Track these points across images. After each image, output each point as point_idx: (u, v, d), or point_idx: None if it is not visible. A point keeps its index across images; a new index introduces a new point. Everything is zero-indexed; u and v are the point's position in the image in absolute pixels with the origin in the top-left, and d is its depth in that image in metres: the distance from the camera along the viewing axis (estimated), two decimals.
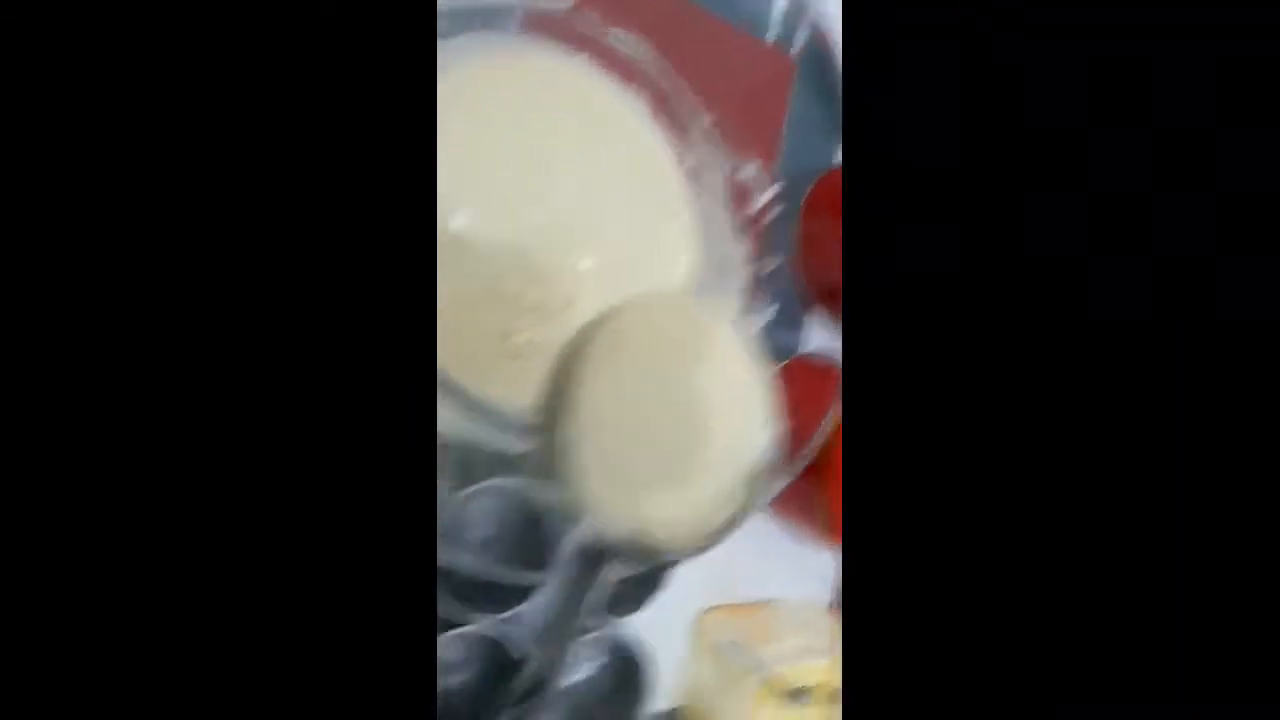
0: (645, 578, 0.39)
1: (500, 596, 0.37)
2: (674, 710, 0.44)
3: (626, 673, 0.39)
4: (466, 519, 0.32)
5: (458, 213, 0.31)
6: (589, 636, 0.37)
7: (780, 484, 0.41)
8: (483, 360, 0.30)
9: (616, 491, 0.21)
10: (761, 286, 0.32)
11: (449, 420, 0.28)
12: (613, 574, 0.22)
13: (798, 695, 0.42)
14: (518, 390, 0.31)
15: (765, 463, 0.23)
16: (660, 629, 0.39)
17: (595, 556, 0.22)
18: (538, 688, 0.24)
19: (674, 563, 0.31)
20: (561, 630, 0.22)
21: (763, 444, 0.23)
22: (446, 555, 0.36)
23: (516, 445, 0.29)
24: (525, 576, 0.36)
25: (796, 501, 0.40)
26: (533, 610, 0.29)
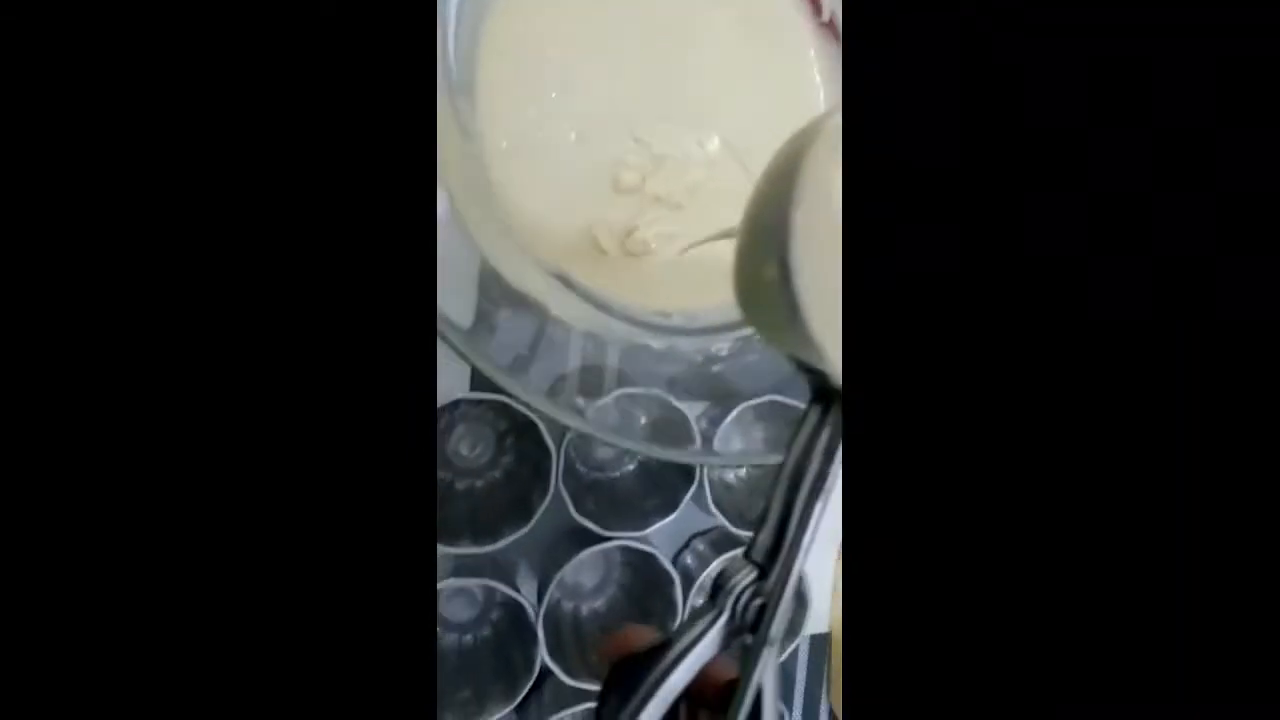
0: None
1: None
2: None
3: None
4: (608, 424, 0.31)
5: (568, 97, 0.28)
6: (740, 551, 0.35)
7: None
8: (609, 259, 0.28)
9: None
10: None
11: (579, 320, 0.26)
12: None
13: None
14: (647, 291, 0.29)
15: None
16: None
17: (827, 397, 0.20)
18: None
19: None
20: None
21: None
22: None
23: (651, 341, 0.27)
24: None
25: None
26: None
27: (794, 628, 0.38)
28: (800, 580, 0.36)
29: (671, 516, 0.33)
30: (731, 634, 0.19)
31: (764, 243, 0.19)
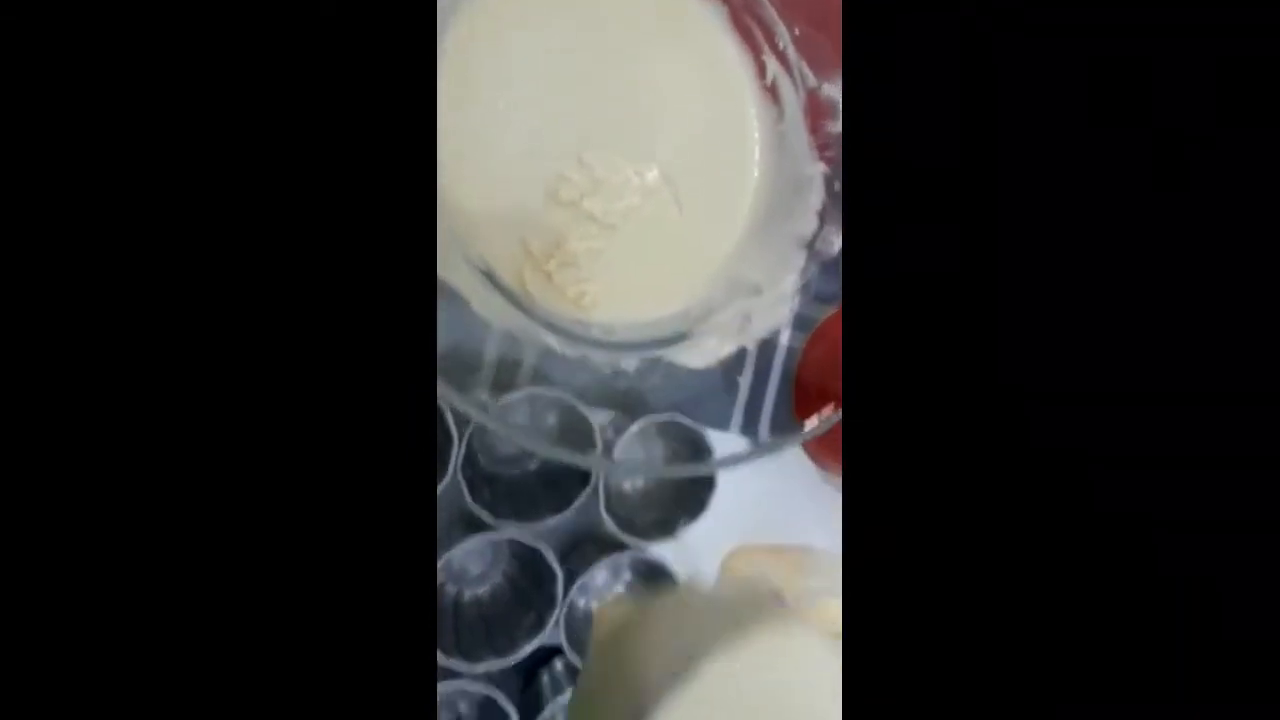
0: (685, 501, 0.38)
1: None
2: None
3: (662, 589, 0.39)
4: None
5: (518, 110, 0.30)
6: (624, 554, 0.37)
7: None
8: (536, 266, 0.30)
9: None
10: (836, 209, 0.30)
11: (500, 318, 0.27)
12: None
13: None
14: (566, 299, 0.30)
15: None
16: (687, 565, 0.39)
17: None
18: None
19: None
20: None
21: None
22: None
23: (565, 349, 0.29)
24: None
25: (832, 446, 0.40)
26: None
27: None
28: None
29: (563, 515, 0.35)
30: None
31: None
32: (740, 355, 0.30)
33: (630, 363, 0.29)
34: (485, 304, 0.27)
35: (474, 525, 0.34)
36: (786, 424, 0.28)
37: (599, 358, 0.29)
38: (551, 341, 0.28)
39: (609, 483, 0.37)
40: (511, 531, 0.34)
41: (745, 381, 0.29)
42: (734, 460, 0.25)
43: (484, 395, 0.27)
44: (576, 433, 0.35)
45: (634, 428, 0.35)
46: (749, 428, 0.36)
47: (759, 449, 0.26)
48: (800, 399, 0.34)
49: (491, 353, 0.26)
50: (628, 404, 0.33)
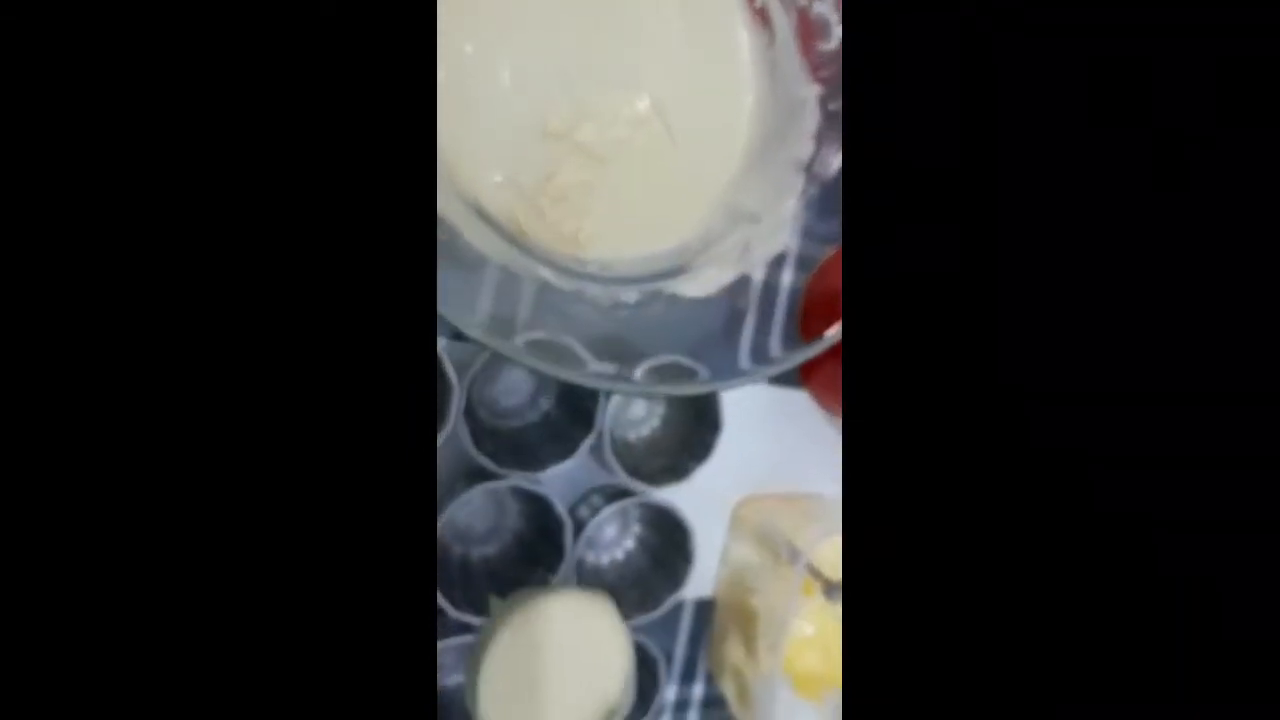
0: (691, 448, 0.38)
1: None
2: (713, 598, 0.44)
3: (672, 538, 0.38)
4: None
5: (505, 41, 0.29)
6: (631, 501, 0.37)
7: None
8: (527, 200, 0.29)
9: None
10: (833, 130, 0.29)
11: (494, 253, 0.27)
12: None
13: (831, 591, 0.41)
14: (561, 236, 0.29)
15: None
16: (697, 511, 0.39)
17: None
18: None
19: None
20: None
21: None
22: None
23: (560, 282, 0.28)
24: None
25: (838, 391, 0.39)
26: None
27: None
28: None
29: (569, 462, 0.34)
30: None
31: None
32: (742, 283, 0.29)
33: (630, 295, 0.29)
34: (479, 238, 0.26)
35: (477, 476, 0.34)
36: (794, 347, 0.27)
37: (596, 290, 0.28)
38: (548, 275, 0.27)
39: (614, 433, 0.37)
40: (517, 479, 0.33)
41: (750, 316, 0.29)
42: (736, 376, 0.25)
43: (482, 336, 0.27)
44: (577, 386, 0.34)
45: (636, 374, 0.35)
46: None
47: (764, 365, 0.25)
48: (806, 328, 0.34)
49: (488, 290, 0.26)
50: (626, 352, 0.32)
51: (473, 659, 0.30)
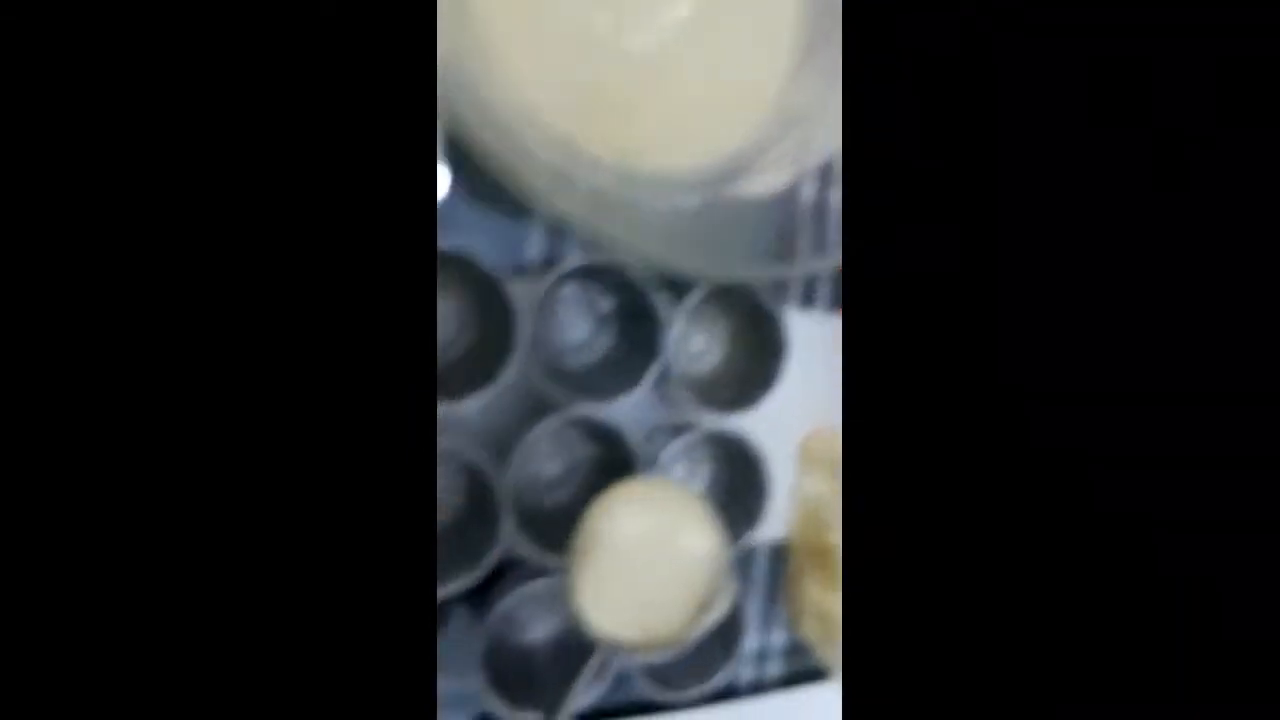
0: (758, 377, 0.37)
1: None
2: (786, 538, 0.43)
3: (744, 473, 0.38)
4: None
5: None
6: (699, 433, 0.36)
7: None
8: (578, 110, 0.28)
9: None
10: None
11: (548, 158, 0.26)
12: None
13: None
14: (613, 149, 0.29)
15: None
16: (766, 443, 0.38)
17: None
18: None
19: None
20: None
21: None
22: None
23: (623, 191, 0.27)
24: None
25: None
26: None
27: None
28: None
29: (635, 393, 0.34)
30: None
31: None
32: (797, 188, 0.28)
33: (690, 200, 0.28)
34: (535, 144, 0.26)
35: (544, 410, 0.33)
36: None
37: (653, 198, 0.28)
38: (605, 183, 0.27)
39: (677, 368, 0.36)
40: (586, 409, 0.33)
41: (805, 212, 0.28)
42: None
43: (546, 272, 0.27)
44: (638, 310, 0.33)
45: (691, 300, 0.34)
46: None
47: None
48: None
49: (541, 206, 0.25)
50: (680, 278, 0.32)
51: (568, 576, 0.30)
